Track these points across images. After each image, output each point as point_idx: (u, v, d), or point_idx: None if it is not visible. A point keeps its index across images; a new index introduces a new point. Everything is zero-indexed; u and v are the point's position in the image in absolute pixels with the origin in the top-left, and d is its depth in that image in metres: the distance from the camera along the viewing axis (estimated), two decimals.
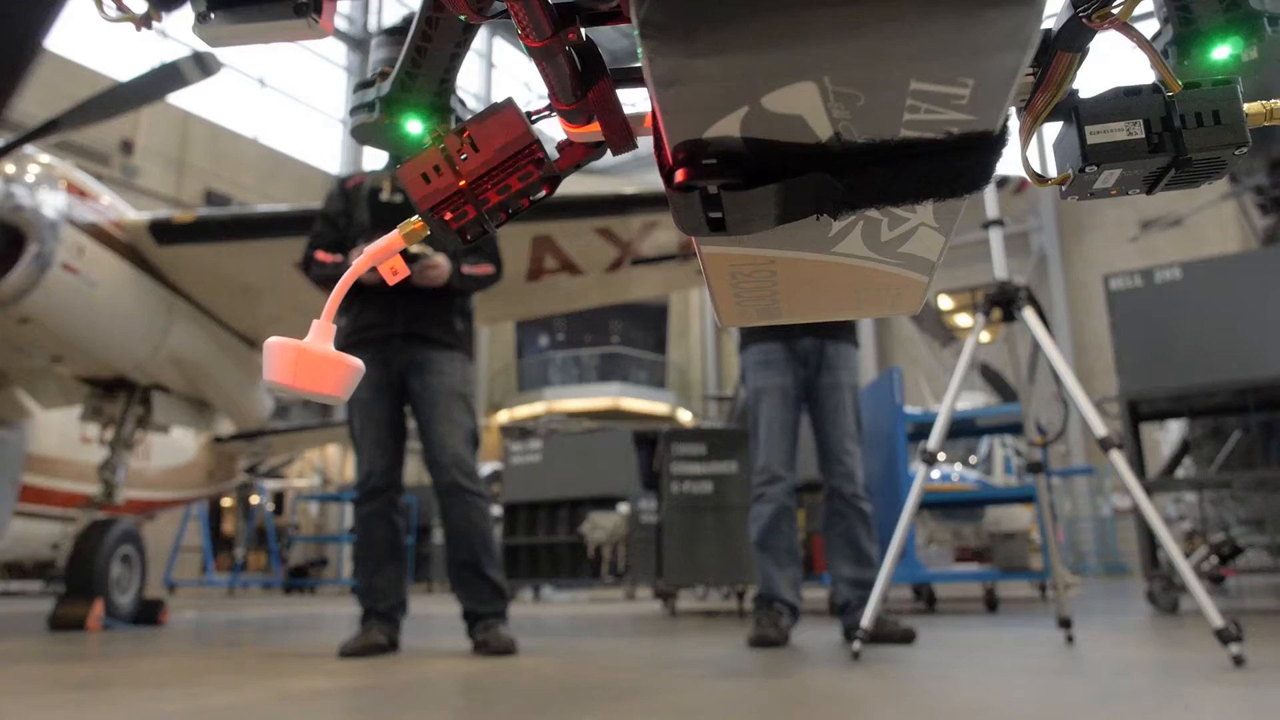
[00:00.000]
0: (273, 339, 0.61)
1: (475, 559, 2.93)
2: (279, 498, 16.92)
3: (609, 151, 0.59)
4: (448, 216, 0.58)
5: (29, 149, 4.21)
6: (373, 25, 23.94)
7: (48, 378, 5.38)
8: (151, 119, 19.02)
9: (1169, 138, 0.55)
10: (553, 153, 0.59)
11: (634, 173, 31.05)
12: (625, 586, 9.21)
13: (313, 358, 0.61)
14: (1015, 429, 8.56)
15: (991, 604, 5.05)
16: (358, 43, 23.33)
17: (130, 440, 5.33)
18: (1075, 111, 0.56)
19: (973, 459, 10.95)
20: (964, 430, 9.16)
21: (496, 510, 13.15)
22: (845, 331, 3.22)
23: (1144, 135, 0.55)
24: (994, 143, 0.47)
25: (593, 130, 0.58)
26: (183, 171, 19.90)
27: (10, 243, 4.04)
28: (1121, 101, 0.56)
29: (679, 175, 0.47)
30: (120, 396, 5.28)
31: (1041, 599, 6.83)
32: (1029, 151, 0.58)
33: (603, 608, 7.66)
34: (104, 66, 18.05)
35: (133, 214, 4.80)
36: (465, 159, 0.57)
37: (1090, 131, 0.55)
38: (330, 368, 0.61)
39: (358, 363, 0.63)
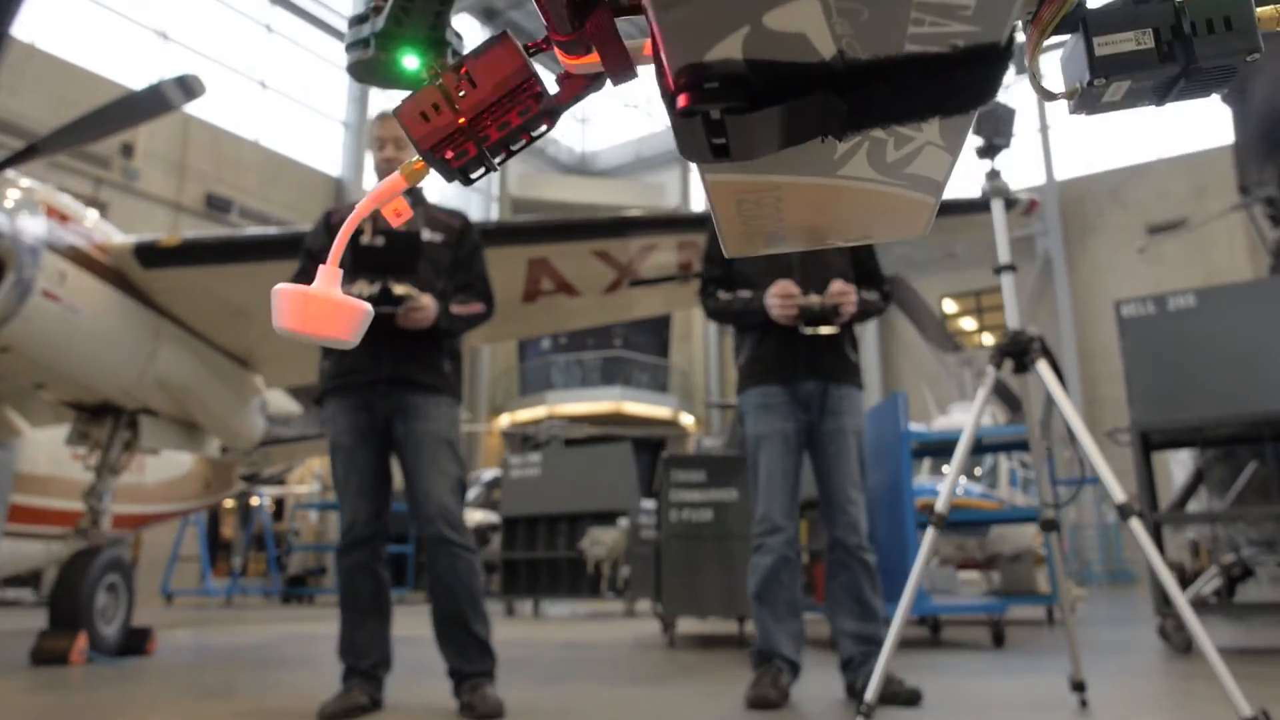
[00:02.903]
0: (281, 285, 0.62)
1: (461, 615, 2.81)
2: (279, 504, 16.81)
3: (609, 82, 0.58)
4: (448, 155, 0.57)
5: (8, 173, 4.10)
6: None
7: (36, 398, 5.28)
8: (152, 121, 18.91)
9: (1179, 46, 0.54)
10: (552, 86, 0.58)
11: (637, 174, 30.96)
12: (625, 602, 9.10)
13: (321, 302, 0.62)
14: (1022, 446, 8.44)
15: (998, 637, 4.92)
16: None
17: (117, 466, 5.21)
18: (1083, 23, 0.55)
19: (978, 471, 10.83)
20: (971, 449, 9.01)
21: (495, 519, 13.02)
22: (849, 374, 3.09)
23: (1154, 45, 0.54)
24: (1000, 55, 0.46)
25: (592, 61, 0.57)
26: (184, 174, 19.82)
27: None
28: (1130, 10, 0.55)
29: (681, 101, 0.47)
30: (107, 421, 5.16)
31: (1048, 623, 6.69)
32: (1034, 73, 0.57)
33: (601, 627, 7.54)
34: (101, 68, 17.96)
35: (118, 236, 4.69)
36: (464, 95, 0.56)
37: (1099, 43, 0.54)
38: (338, 311, 0.62)
39: (365, 305, 0.63)
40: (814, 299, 2.94)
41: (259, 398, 6.21)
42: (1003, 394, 14.34)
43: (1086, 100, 0.56)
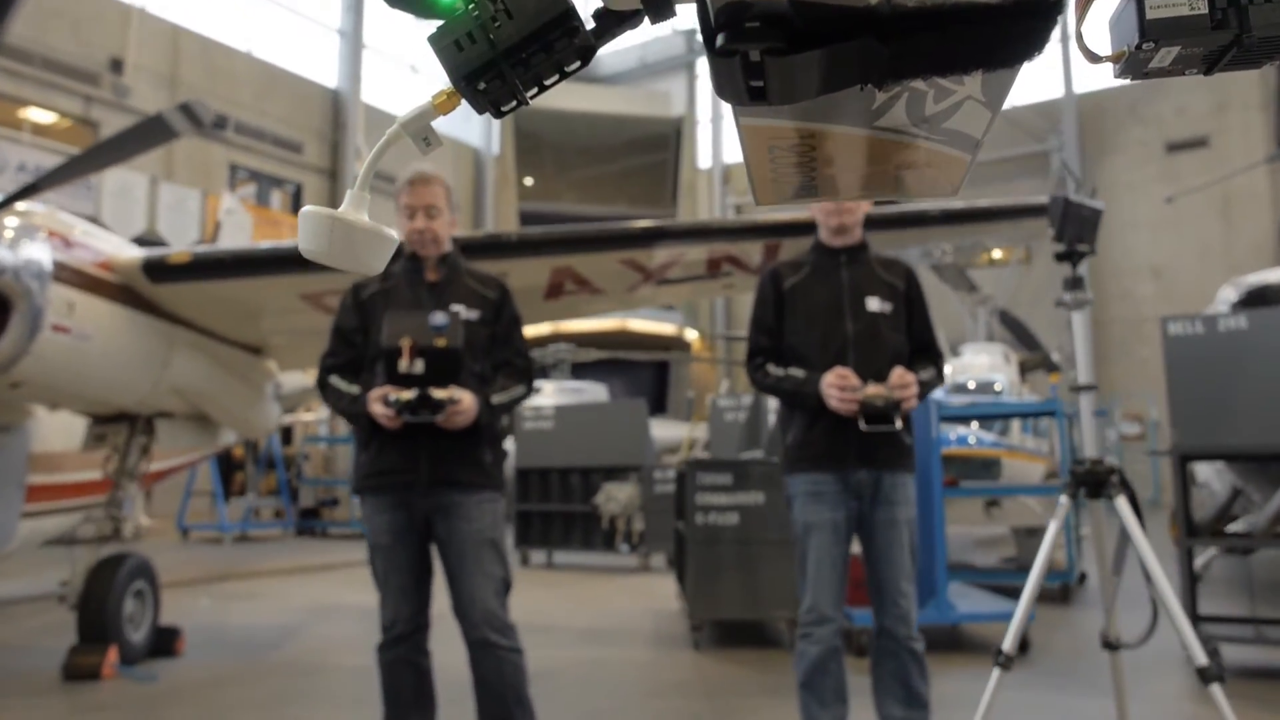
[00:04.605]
0: (307, 208, 0.61)
1: (509, 717, 2.77)
2: (287, 431, 16.89)
3: (646, 20, 0.57)
4: (480, 86, 0.57)
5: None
6: None
7: None
8: (140, 33, 18.22)
9: (1233, 13, 0.52)
10: (588, 21, 0.57)
11: (642, 81, 30.02)
12: (639, 557, 9.19)
13: (347, 228, 0.61)
14: (1040, 413, 8.41)
15: (1023, 644, 4.93)
16: None
17: (135, 471, 5.14)
18: None
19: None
20: (997, 414, 9.04)
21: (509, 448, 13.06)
22: (903, 460, 2.96)
23: (1207, 10, 0.52)
24: (1050, 9, 0.45)
25: None
26: (175, 90, 19.16)
27: None
28: None
29: (720, 39, 0.47)
30: (123, 427, 5.06)
31: (1063, 601, 6.74)
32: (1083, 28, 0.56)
33: (617, 591, 7.61)
34: None
35: (126, 250, 4.48)
36: (499, 26, 0.55)
37: (1150, 6, 0.52)
38: (365, 238, 0.61)
39: (392, 233, 0.62)
40: (874, 392, 2.79)
41: (272, 383, 6.10)
42: (1018, 331, 14.21)
43: (1133, 64, 0.55)
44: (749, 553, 5.20)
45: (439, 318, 2.63)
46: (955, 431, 9.04)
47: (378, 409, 2.67)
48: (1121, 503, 2.34)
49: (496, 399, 2.82)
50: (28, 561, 9.02)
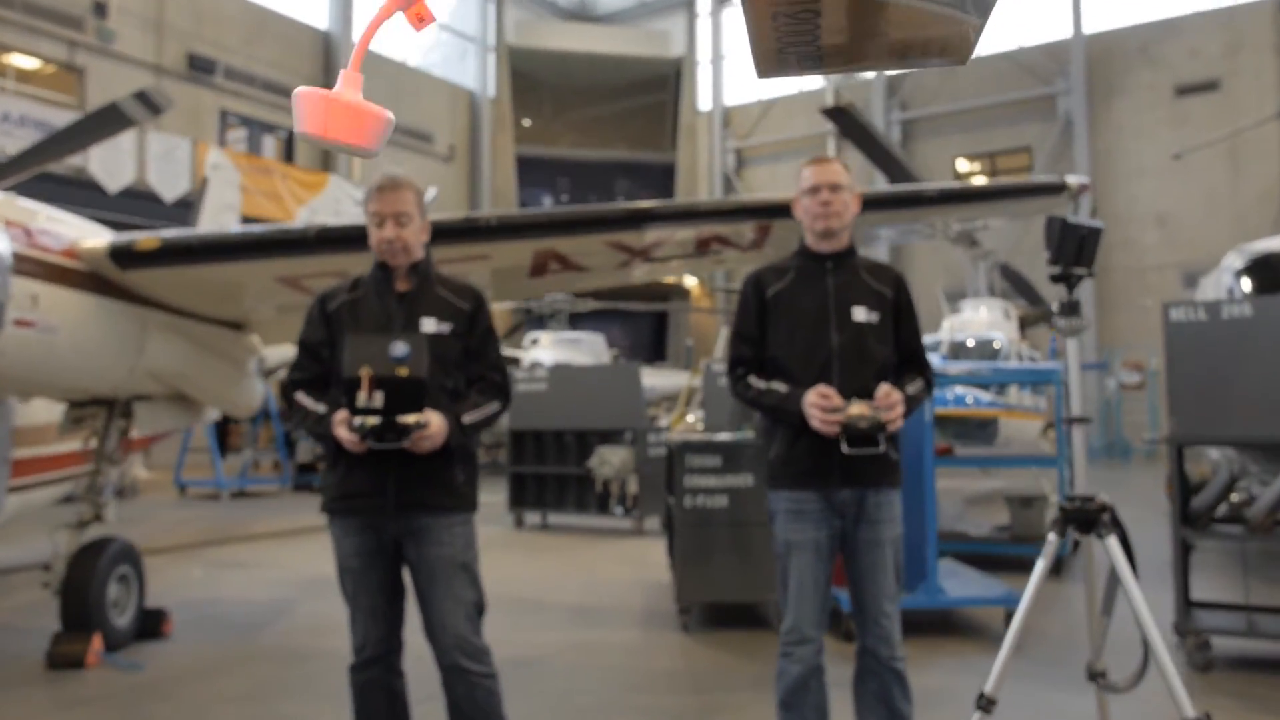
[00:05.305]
0: (302, 89, 0.61)
1: None
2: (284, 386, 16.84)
3: None
4: None
5: None
6: None
7: None
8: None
9: None
10: None
11: (640, 19, 29.30)
12: (633, 521, 9.18)
13: (342, 107, 0.60)
14: (1047, 378, 8.30)
15: None
16: None
17: (115, 456, 5.06)
18: None
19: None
20: (995, 381, 8.94)
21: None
22: (888, 477, 2.86)
23: None
24: None
25: None
26: (162, 33, 18.72)
27: None
28: None
29: None
30: (100, 410, 4.97)
31: (1056, 575, 6.70)
32: None
33: (609, 559, 7.60)
34: None
35: (92, 236, 4.33)
36: None
37: None
38: (360, 117, 0.61)
39: (387, 114, 0.62)
40: (857, 412, 2.67)
41: (256, 358, 5.98)
42: (1019, 285, 14.02)
43: None
44: (739, 535, 5.15)
45: (399, 348, 2.50)
46: (952, 391, 8.94)
47: (342, 433, 2.56)
48: (1112, 543, 2.25)
49: (469, 418, 2.71)
50: (16, 527, 9.01)
